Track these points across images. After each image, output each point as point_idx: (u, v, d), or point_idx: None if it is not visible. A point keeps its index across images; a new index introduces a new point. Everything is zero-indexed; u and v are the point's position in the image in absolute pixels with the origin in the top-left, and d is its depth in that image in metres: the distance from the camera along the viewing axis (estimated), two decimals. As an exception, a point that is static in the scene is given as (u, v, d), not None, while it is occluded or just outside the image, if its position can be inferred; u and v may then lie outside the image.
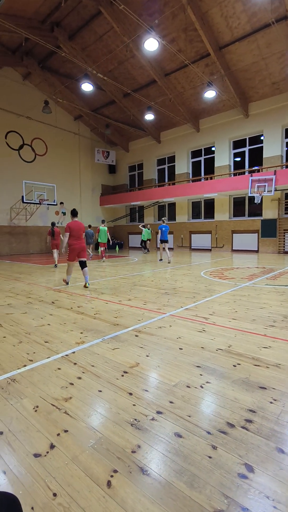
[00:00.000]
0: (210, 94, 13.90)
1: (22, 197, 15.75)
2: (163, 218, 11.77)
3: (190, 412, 1.89)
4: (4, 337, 3.37)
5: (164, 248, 11.65)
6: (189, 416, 1.84)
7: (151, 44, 11.26)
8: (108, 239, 12.52)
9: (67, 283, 6.78)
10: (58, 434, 1.69)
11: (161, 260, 12.05)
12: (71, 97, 17.69)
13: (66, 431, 1.72)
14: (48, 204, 16.74)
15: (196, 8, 11.05)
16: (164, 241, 11.43)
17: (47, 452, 1.54)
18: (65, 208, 19.48)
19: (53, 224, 10.74)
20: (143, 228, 16.49)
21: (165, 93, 15.53)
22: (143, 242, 17.07)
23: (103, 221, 12.94)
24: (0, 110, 15.83)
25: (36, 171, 17.72)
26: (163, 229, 11.34)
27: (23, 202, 15.85)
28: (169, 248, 15.11)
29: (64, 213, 19.43)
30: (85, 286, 6.38)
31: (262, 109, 15.11)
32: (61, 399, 2.06)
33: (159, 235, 11.56)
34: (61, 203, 18.88)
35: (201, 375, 2.39)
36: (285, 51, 12.08)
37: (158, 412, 1.88)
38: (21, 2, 11.61)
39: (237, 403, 1.99)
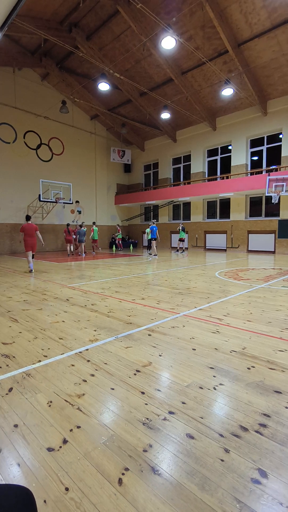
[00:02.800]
0: (227, 92, 13.69)
1: (39, 195, 16.06)
2: (153, 220, 15.11)
3: (202, 413, 1.87)
4: (20, 332, 3.45)
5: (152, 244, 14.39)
6: (202, 418, 1.82)
7: (168, 43, 11.21)
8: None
9: (30, 271, 8.59)
10: (71, 430, 1.71)
11: (156, 255, 14.19)
12: (88, 96, 17.85)
13: (78, 427, 1.74)
14: (64, 203, 16.99)
15: (214, 5, 10.90)
16: (154, 239, 14.22)
17: (60, 447, 1.57)
18: (81, 206, 19.72)
19: (67, 224, 12.08)
20: (148, 229, 16.27)
21: (182, 92, 15.41)
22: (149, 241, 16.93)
23: (94, 223, 16.52)
24: (19, 110, 16.18)
25: (52, 170, 18.01)
26: (154, 229, 14.20)
27: (39, 200, 16.16)
28: (184, 248, 17.79)
29: (79, 212, 19.67)
30: (29, 271, 8.50)
31: (282, 107, 14.74)
32: (74, 395, 2.09)
33: (148, 236, 14.33)
34: (77, 201, 19.12)
35: (214, 376, 2.36)
36: (307, 46, 11.72)
37: (170, 412, 1.88)
38: (41, 4, 11.81)
39: (251, 406, 1.95)
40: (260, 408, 1.93)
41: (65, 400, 2.03)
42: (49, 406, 1.96)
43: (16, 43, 14.54)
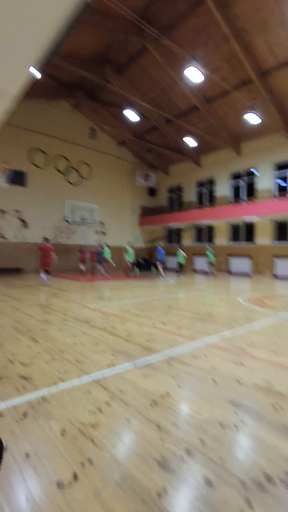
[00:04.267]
0: (252, 118, 13.85)
1: (66, 216, 16.68)
2: (159, 242, 15.39)
3: (222, 455, 1.73)
4: (39, 353, 3.46)
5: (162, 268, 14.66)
6: (221, 460, 1.68)
7: (193, 75, 11.67)
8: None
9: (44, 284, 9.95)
10: (83, 463, 1.64)
11: (163, 277, 14.42)
12: (116, 124, 18.77)
13: (90, 461, 1.66)
14: (89, 224, 17.49)
15: (239, 38, 11.32)
16: (161, 261, 14.60)
17: (70, 483, 1.50)
18: (105, 227, 20.19)
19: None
20: (181, 251, 16.27)
21: (207, 119, 15.80)
22: (180, 265, 16.74)
23: (107, 245, 16.28)
24: (50, 137, 17.28)
25: (79, 192, 18.77)
26: (162, 251, 14.65)
27: (66, 221, 16.76)
28: (206, 272, 17.06)
29: (104, 233, 20.11)
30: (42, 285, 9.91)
31: (308, 132, 14.63)
32: (88, 424, 2.02)
33: (157, 256, 14.63)
34: (102, 223, 19.62)
35: (236, 413, 2.20)
36: None
37: (187, 451, 1.76)
38: (78, 45, 12.86)
39: (277, 451, 1.78)
40: (287, 454, 1.75)
41: (78, 429, 1.97)
42: (62, 435, 1.90)
43: (52, 77, 15.79)
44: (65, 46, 12.33)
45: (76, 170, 18.82)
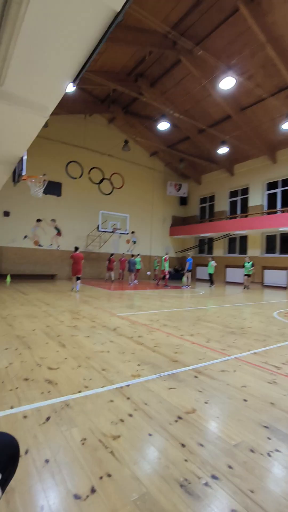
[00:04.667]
0: (289, 125, 13.33)
1: (98, 225, 17.10)
2: (188, 252, 15.75)
3: (252, 485, 1.57)
4: (66, 358, 3.48)
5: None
6: (252, 492, 1.52)
7: (228, 83, 11.56)
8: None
9: (72, 289, 10.68)
10: (101, 477, 1.57)
11: (188, 286, 14.88)
12: (149, 135, 19.09)
13: (109, 475, 1.59)
14: (120, 233, 17.77)
15: (276, 44, 11.05)
16: (189, 270, 15.01)
17: (87, 496, 1.44)
18: (136, 237, 20.37)
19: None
20: (211, 262, 15.82)
21: (240, 127, 15.51)
22: (210, 275, 16.30)
23: (138, 254, 16.78)
24: (86, 150, 17.98)
25: (112, 202, 19.20)
26: (190, 261, 14.96)
27: (98, 230, 17.17)
28: (239, 283, 16.73)
29: (134, 242, 20.29)
30: (73, 290, 10.50)
31: None
32: (109, 435, 1.96)
33: (187, 266, 14.91)
34: (133, 232, 19.83)
35: (269, 439, 2.01)
36: None
37: (213, 477, 1.62)
38: (112, 60, 13.40)
39: None
40: None
41: (99, 440, 1.91)
42: (83, 444, 1.86)
43: (88, 93, 16.53)
44: (99, 61, 12.89)
45: (109, 181, 19.33)
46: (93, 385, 2.75)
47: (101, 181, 19.06)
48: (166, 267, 14.42)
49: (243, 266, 15.27)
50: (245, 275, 15.00)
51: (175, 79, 14.53)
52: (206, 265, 17.94)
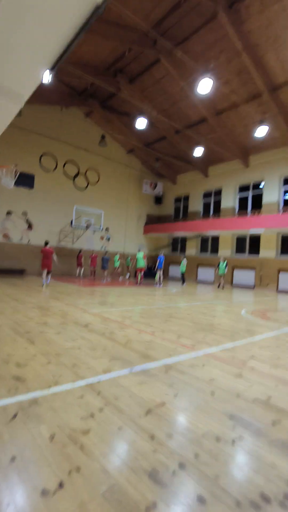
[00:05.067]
0: (261, 132, 13.91)
1: (71, 221, 16.77)
2: (161, 251, 15.84)
3: (217, 471, 1.64)
4: (35, 355, 3.39)
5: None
6: (216, 477, 1.59)
7: (205, 87, 11.80)
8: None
9: (43, 285, 10.51)
10: (70, 472, 1.56)
11: (160, 284, 14.73)
12: (126, 132, 19.01)
13: (78, 469, 1.59)
14: (94, 230, 17.56)
15: (251, 53, 11.47)
16: (160, 268, 14.83)
17: (55, 491, 1.42)
18: (110, 234, 20.24)
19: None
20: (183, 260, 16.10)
21: (215, 131, 15.92)
22: (183, 274, 16.62)
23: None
24: (62, 142, 17.53)
25: (86, 197, 18.91)
26: (163, 259, 14.89)
27: (71, 226, 16.84)
28: (210, 282, 17.10)
29: (108, 239, 20.15)
30: (43, 286, 10.34)
31: None
32: (78, 431, 1.95)
33: (157, 263, 14.77)
34: (107, 229, 19.68)
35: (233, 427, 2.11)
36: None
37: (181, 465, 1.67)
38: (91, 53, 13.16)
39: (275, 470, 1.69)
40: (285, 474, 1.66)
41: (68, 435, 1.89)
42: (51, 441, 1.83)
43: (66, 85, 16.11)
44: (78, 53, 12.61)
45: (85, 176, 19.00)
46: (63, 382, 2.71)
47: (76, 175, 18.71)
48: (142, 265, 14.34)
49: (218, 266, 15.57)
50: (220, 275, 15.30)
51: (154, 78, 14.58)
52: (179, 264, 18.28)
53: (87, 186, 19.12)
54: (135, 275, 15.15)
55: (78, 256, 16.37)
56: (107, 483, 1.50)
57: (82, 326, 4.95)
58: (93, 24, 2.95)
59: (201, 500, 1.43)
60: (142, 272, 14.40)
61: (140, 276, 14.27)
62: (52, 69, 3.16)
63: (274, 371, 3.36)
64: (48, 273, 10.71)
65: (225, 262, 15.29)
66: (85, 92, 16.40)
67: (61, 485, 1.47)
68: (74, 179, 18.46)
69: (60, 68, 11.68)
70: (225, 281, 17.89)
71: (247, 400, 2.56)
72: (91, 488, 1.46)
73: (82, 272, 16.43)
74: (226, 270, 15.38)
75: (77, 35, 2.72)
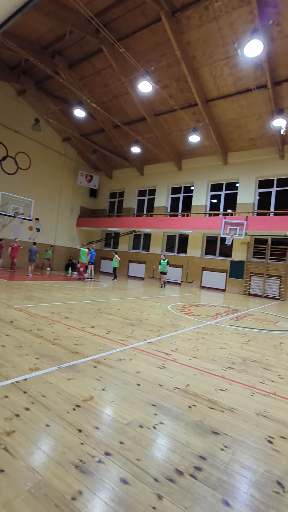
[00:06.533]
0: (194, 139, 14.93)
1: (-3, 207, 15.31)
2: (92, 245, 15.77)
3: (139, 455, 1.81)
4: None
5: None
6: (138, 460, 1.76)
7: (145, 87, 12.08)
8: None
9: None
10: (-7, 474, 1.53)
11: (91, 279, 14.77)
12: (63, 119, 18.15)
13: (2, 471, 1.56)
14: (22, 219, 16.36)
15: (189, 64, 12.17)
16: (92, 263, 14.93)
17: (-24, 495, 1.39)
18: (40, 224, 19.15)
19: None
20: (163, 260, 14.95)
21: (153, 131, 16.44)
22: (114, 269, 16.78)
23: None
24: (-12, 119, 15.80)
25: (15, 184, 17.47)
26: (94, 253, 15.03)
27: (-4, 213, 15.37)
28: (140, 278, 17.13)
29: (38, 229, 19.03)
30: None
31: (240, 160, 16.40)
32: (2, 432, 1.89)
33: (89, 258, 14.47)
34: (37, 219, 18.57)
35: (155, 414, 2.32)
36: (263, 114, 13.47)
37: (106, 454, 1.79)
38: (27, 27, 12.14)
39: (188, 448, 1.94)
40: (197, 450, 1.92)
41: (-9, 437, 1.83)
42: (-29, 444, 1.74)
43: (-5, 56, 14.53)
44: (13, 24, 11.54)
45: (14, 159, 17.51)
46: (-16, 382, 2.56)
47: (4, 158, 17.15)
48: (84, 260, 13.97)
49: (159, 263, 15.01)
50: (161, 272, 14.96)
51: (95, 68, 14.26)
52: (111, 259, 18.41)
53: (16, 171, 17.66)
54: (78, 271, 15.03)
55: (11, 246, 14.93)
56: (33, 480, 1.52)
57: (6, 323, 4.66)
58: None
59: (124, 481, 1.57)
60: (83, 268, 14.21)
61: (80, 272, 14.19)
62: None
63: (192, 361, 3.75)
64: None
65: (166, 260, 14.90)
66: (18, 67, 15.06)
67: (-17, 488, 1.43)
68: (1, 162, 16.84)
69: (-11, 36, 10.51)
70: (155, 277, 18.73)
71: (168, 389, 2.83)
72: (16, 486, 1.46)
73: (0, 263, 15.27)
74: (167, 267, 15.08)
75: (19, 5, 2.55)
